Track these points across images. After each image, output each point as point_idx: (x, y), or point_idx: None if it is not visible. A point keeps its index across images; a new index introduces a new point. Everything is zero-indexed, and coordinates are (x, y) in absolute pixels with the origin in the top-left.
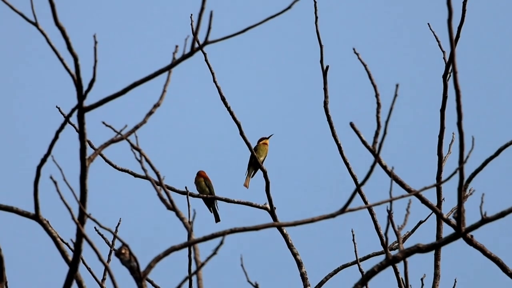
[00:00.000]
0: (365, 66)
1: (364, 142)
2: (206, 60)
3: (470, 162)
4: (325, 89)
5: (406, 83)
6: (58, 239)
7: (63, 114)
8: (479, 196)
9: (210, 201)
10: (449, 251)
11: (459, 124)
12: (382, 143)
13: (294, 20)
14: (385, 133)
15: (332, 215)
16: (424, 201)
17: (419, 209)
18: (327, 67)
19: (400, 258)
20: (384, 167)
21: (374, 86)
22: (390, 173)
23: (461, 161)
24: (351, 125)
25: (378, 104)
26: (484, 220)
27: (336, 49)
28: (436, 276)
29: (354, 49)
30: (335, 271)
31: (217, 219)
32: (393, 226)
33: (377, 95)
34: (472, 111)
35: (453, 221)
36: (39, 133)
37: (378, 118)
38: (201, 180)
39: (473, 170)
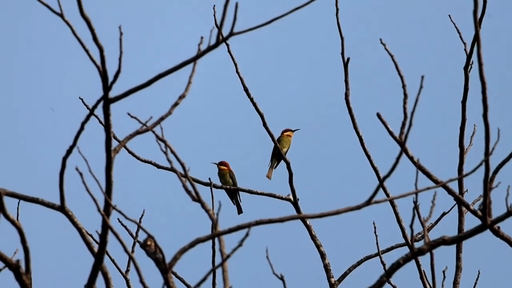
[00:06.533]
0: (391, 56)
1: (390, 133)
2: (229, 51)
3: (495, 154)
4: (346, 81)
5: (427, 75)
6: (84, 231)
7: (86, 106)
8: (504, 188)
9: (233, 193)
10: (471, 243)
11: (485, 116)
12: (408, 134)
13: (317, 12)
14: (410, 124)
15: (358, 207)
16: (451, 193)
17: (439, 201)
18: (348, 59)
19: (426, 250)
20: (411, 158)
21: (401, 77)
22: (416, 164)
23: (487, 153)
24: (378, 115)
25: (405, 95)
26: (510, 213)
27: (358, 41)
28: (458, 268)
29: (381, 39)
30: (358, 263)
31: (240, 211)
32: (419, 218)
33: (404, 86)
34: (494, 103)
35: (479, 213)
36: (65, 125)
37: (405, 108)
38: (226, 172)
39: (500, 162)
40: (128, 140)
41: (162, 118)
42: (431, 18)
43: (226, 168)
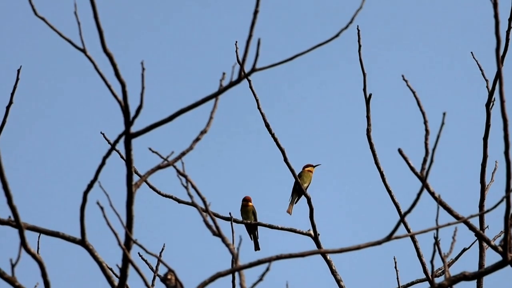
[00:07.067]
0: (413, 92)
1: (412, 169)
2: (250, 87)
3: None
4: (368, 117)
5: (449, 111)
6: (104, 265)
7: (108, 141)
8: None
9: (253, 228)
10: (492, 279)
11: (506, 153)
12: (430, 170)
13: (338, 47)
14: (432, 160)
15: (379, 242)
16: (471, 228)
17: (459, 237)
18: (370, 95)
19: (446, 285)
20: (432, 194)
21: (423, 113)
22: (437, 200)
23: (508, 189)
24: (399, 151)
25: (427, 131)
26: None
27: (379, 77)
28: None
29: (403, 76)
30: None
31: (257, 248)
32: (439, 253)
33: (425, 122)
34: None
35: (500, 248)
36: (86, 159)
37: (426, 144)
38: (251, 207)
39: None
40: (149, 175)
41: (183, 153)
42: (453, 55)
43: (251, 204)
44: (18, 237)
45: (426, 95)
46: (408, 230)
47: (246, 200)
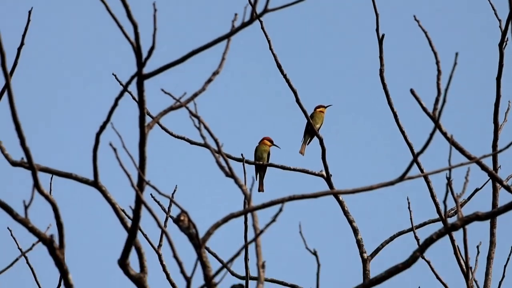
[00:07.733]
0: (425, 33)
1: (424, 109)
2: (262, 28)
3: None
4: (381, 58)
5: (461, 52)
6: (117, 206)
7: (120, 82)
8: None
9: (263, 169)
10: (505, 218)
11: None
12: (442, 110)
13: None
14: (444, 100)
15: (391, 183)
16: (484, 168)
17: (472, 177)
18: (383, 35)
19: (459, 225)
20: (444, 134)
21: (435, 53)
22: (450, 140)
23: None
24: (411, 91)
25: (439, 71)
26: None
27: (392, 18)
28: (492, 243)
29: (414, 16)
30: (391, 238)
31: (261, 189)
32: (452, 193)
33: (437, 62)
34: None
35: None
36: (99, 100)
37: (438, 85)
38: (268, 149)
39: None
40: (161, 116)
41: (195, 94)
42: None
43: (270, 144)
44: (31, 179)
45: (438, 35)
46: (421, 171)
47: (269, 140)
